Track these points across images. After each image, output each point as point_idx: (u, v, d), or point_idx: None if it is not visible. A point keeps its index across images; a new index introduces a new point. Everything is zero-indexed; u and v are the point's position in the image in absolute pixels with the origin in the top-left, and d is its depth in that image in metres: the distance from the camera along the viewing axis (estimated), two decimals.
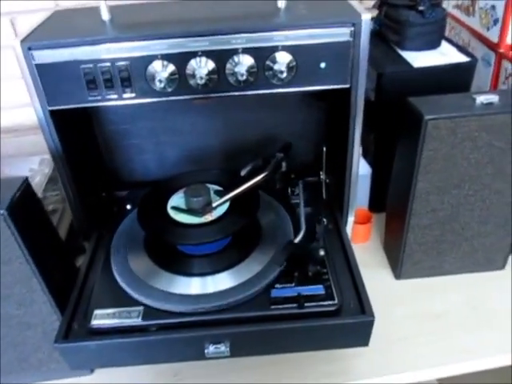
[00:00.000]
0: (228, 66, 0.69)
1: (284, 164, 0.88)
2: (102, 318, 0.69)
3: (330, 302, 0.69)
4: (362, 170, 0.96)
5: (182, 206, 0.77)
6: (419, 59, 0.92)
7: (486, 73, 1.07)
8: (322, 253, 0.77)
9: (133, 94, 0.71)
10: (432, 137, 0.74)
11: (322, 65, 0.71)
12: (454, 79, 0.91)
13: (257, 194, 0.81)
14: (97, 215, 0.89)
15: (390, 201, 0.94)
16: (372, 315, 0.67)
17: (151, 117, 0.92)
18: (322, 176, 0.93)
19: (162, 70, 0.69)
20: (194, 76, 0.69)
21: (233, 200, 0.78)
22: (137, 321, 0.69)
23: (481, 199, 0.83)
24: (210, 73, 0.69)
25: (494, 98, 0.74)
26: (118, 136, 0.94)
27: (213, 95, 0.73)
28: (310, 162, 0.95)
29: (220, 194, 0.79)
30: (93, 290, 0.74)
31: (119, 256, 0.78)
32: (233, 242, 0.79)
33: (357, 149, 0.82)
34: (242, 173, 0.86)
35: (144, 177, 0.99)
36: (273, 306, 0.69)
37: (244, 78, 0.70)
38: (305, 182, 0.92)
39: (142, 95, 0.72)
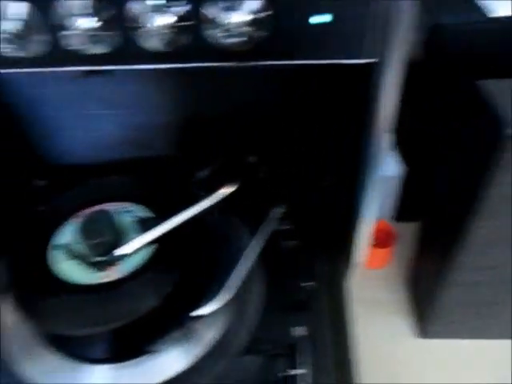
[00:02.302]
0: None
1: (264, 169, 0.56)
2: None
3: None
4: (389, 169, 0.65)
5: (78, 244, 0.47)
6: (503, 7, 0.54)
7: None
8: (302, 333, 0.48)
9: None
10: None
11: (325, 17, 0.36)
12: None
13: (205, 226, 0.50)
14: None
15: (429, 226, 0.62)
16: None
17: (67, 79, 0.59)
18: (325, 183, 0.60)
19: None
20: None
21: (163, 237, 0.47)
22: None
23: None
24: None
25: None
26: (25, 104, 0.63)
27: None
28: (301, 164, 0.61)
29: (145, 224, 0.49)
30: None
31: None
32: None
33: (383, 144, 0.47)
34: (196, 178, 0.55)
35: (69, 159, 0.69)
36: None
37: (166, 40, 0.36)
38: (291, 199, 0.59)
39: None
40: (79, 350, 0.47)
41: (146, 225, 0.49)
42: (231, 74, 0.53)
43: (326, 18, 0.37)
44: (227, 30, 0.35)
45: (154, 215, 0.51)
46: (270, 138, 0.56)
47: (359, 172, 0.47)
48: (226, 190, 0.52)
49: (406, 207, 0.73)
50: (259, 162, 0.54)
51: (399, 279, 0.72)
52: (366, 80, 0.42)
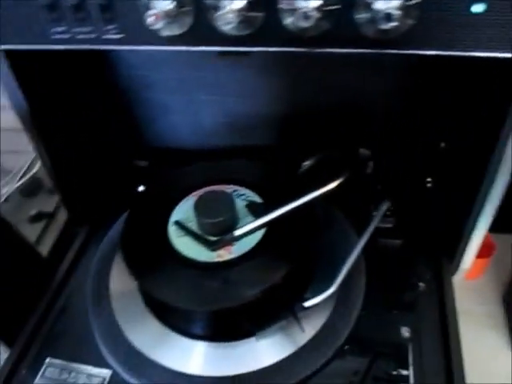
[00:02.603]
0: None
1: (371, 165, 0.55)
2: (52, 374, 0.47)
3: None
4: None
5: (191, 222, 0.49)
6: None
7: None
8: (405, 334, 0.46)
9: (118, 35, 0.41)
10: None
11: (478, 7, 0.34)
12: None
13: (315, 216, 0.50)
14: (96, 197, 0.64)
15: None
16: None
17: (182, 63, 0.61)
18: (430, 185, 0.58)
19: None
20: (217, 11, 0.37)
21: (274, 223, 0.48)
22: None
23: None
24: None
25: None
26: (136, 86, 0.65)
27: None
28: (411, 163, 0.59)
29: (255, 209, 0.49)
30: (55, 323, 0.52)
31: (101, 277, 0.54)
32: None
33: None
34: (302, 167, 0.55)
35: (171, 143, 0.71)
36: None
37: (312, 23, 0.36)
38: (397, 196, 0.57)
39: (136, 38, 0.41)
40: (183, 324, 0.48)
41: (256, 210, 0.49)
42: (355, 63, 0.52)
43: (479, 7, 0.35)
44: (378, 14, 0.34)
45: (262, 201, 0.51)
46: (385, 131, 0.55)
47: (483, 176, 0.45)
48: (332, 183, 0.51)
49: (504, 218, 0.69)
50: (371, 155, 0.52)
51: (493, 291, 0.69)
52: (505, 77, 0.40)
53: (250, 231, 0.46)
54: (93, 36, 0.42)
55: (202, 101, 0.65)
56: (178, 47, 0.41)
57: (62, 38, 0.43)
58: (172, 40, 0.40)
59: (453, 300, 0.50)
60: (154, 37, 0.40)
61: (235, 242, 0.46)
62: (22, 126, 0.81)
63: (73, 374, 0.47)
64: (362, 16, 0.35)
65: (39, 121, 0.52)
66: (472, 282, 0.70)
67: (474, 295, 0.69)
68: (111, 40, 0.42)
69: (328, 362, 0.45)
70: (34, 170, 0.81)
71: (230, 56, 0.42)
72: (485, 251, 0.67)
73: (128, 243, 0.49)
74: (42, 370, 0.47)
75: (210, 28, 0.39)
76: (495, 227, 0.70)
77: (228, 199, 0.47)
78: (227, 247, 0.46)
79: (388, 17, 0.33)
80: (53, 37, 0.43)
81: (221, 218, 0.45)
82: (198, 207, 0.47)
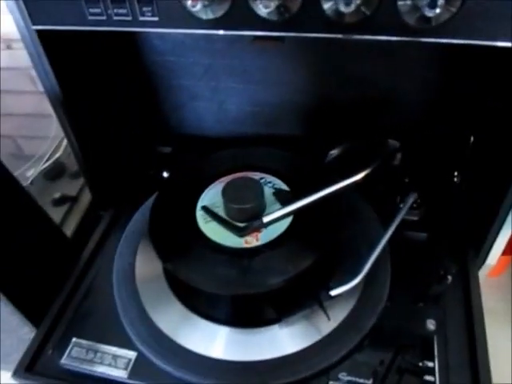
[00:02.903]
0: None
1: (399, 157, 0.54)
2: (79, 354, 0.48)
3: None
4: None
5: (218, 207, 0.49)
6: None
7: None
8: (431, 327, 0.46)
9: (155, 17, 0.41)
10: None
11: None
12: None
13: (342, 206, 0.49)
14: (121, 182, 0.65)
15: None
16: None
17: (210, 50, 0.61)
18: (457, 179, 0.57)
19: None
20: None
21: (301, 212, 0.47)
22: (120, 375, 0.46)
23: None
24: None
25: None
26: (163, 72, 0.65)
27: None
28: (439, 155, 0.59)
29: (282, 197, 0.49)
30: (80, 304, 0.52)
31: (126, 260, 0.54)
32: None
33: None
34: (329, 156, 0.55)
35: (196, 130, 0.71)
36: None
37: (351, 8, 0.35)
38: (424, 189, 0.56)
39: (172, 21, 0.41)
40: (207, 308, 0.49)
41: (283, 197, 0.49)
42: (385, 52, 0.52)
43: None
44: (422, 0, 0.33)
45: (289, 189, 0.51)
46: (415, 123, 0.54)
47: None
48: (360, 173, 0.51)
49: None
50: (399, 147, 0.52)
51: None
52: None
53: (277, 218, 0.46)
54: (129, 18, 0.42)
55: (228, 88, 0.65)
56: (214, 31, 0.41)
57: (97, 20, 0.43)
58: (209, 23, 0.40)
59: (479, 294, 0.49)
60: (190, 20, 0.40)
61: (263, 229, 0.46)
62: (42, 112, 0.82)
63: (99, 355, 0.48)
64: (405, 2, 0.34)
65: (70, 104, 0.53)
66: (495, 280, 0.69)
67: (495, 292, 0.68)
68: (147, 22, 0.42)
69: (351, 353, 0.45)
70: (58, 155, 0.81)
71: (266, 42, 0.42)
72: (508, 248, 0.67)
73: (156, 226, 0.49)
74: (68, 350, 0.48)
75: (247, 12, 0.39)
76: None
77: (256, 186, 0.47)
78: (255, 234, 0.46)
79: (433, 3, 0.33)
80: (89, 18, 0.43)
81: (249, 205, 0.45)
82: (226, 193, 0.47)
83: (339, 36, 0.39)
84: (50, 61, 0.49)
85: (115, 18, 0.42)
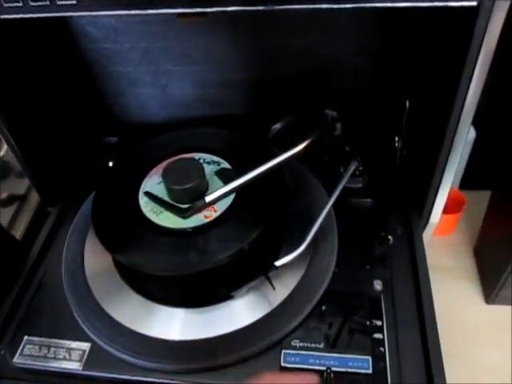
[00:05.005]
0: None
1: (339, 126, 0.55)
2: (31, 351, 0.47)
3: None
4: None
5: (161, 192, 0.49)
6: None
7: None
8: (378, 287, 0.48)
9: (73, 1, 0.40)
10: None
11: None
12: None
13: (284, 178, 0.50)
14: (67, 176, 0.63)
15: (499, 194, 0.60)
16: None
17: (145, 34, 0.60)
18: (398, 144, 0.59)
19: None
20: None
21: (243, 188, 0.48)
22: (75, 367, 0.45)
23: None
24: None
25: None
26: (99, 59, 0.64)
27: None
28: (378, 122, 0.60)
29: (225, 175, 0.49)
30: (32, 302, 0.51)
31: (74, 252, 0.53)
32: None
33: (471, 105, 0.45)
34: (272, 131, 0.55)
35: (140, 117, 0.70)
36: None
37: None
38: (365, 156, 0.57)
39: (90, 3, 0.40)
40: (160, 293, 0.49)
41: (226, 176, 0.49)
42: (318, 24, 0.52)
43: None
44: None
45: (231, 167, 0.51)
46: (351, 92, 0.55)
47: (447, 131, 0.46)
48: (300, 145, 0.51)
49: (475, 174, 0.71)
50: (337, 116, 0.53)
51: (465, 246, 0.71)
52: (465, 26, 0.40)
53: (220, 197, 0.46)
54: (47, 3, 0.41)
55: (168, 71, 0.64)
56: (133, 11, 0.40)
57: (14, 7, 0.41)
58: (126, 4, 0.39)
59: (423, 253, 0.51)
60: (108, 1, 0.39)
61: (206, 209, 0.46)
62: None
63: (52, 350, 0.47)
64: None
65: (1, 100, 0.51)
66: (444, 238, 0.72)
67: (446, 250, 0.70)
68: (65, 6, 0.41)
69: (304, 320, 0.46)
70: (1, 153, 0.79)
71: (190, 18, 0.41)
72: (454, 207, 0.69)
73: (99, 217, 0.48)
74: (20, 348, 0.47)
75: None
76: (467, 184, 0.72)
77: (197, 166, 0.47)
78: (199, 213, 0.46)
79: None
80: (4, 5, 0.41)
81: (189, 184, 0.45)
82: (167, 175, 0.46)
83: (260, 8, 0.39)
84: None
85: (32, 3, 0.41)
